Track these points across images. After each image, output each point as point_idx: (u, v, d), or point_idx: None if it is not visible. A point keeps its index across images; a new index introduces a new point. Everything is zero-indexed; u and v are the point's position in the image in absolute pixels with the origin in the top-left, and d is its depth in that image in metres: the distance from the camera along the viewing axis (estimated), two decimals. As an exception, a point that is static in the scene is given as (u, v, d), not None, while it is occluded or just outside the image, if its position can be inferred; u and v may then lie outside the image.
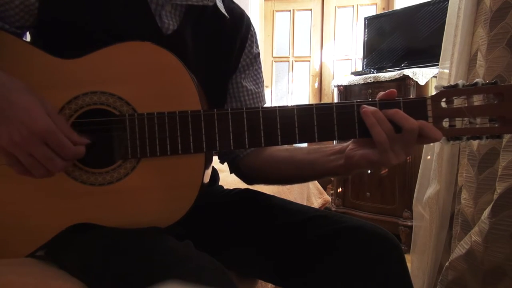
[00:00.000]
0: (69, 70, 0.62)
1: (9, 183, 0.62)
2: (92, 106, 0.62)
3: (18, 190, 0.62)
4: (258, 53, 0.87)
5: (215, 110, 0.62)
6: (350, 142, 0.67)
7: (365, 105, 0.60)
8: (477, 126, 0.59)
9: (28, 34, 0.71)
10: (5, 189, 0.62)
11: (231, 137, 0.61)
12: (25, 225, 0.63)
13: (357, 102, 0.61)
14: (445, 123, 0.61)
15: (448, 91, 0.60)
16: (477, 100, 0.60)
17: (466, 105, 0.59)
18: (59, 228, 0.63)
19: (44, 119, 0.54)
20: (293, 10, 3.62)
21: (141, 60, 0.63)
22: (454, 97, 0.60)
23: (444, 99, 0.60)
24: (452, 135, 0.60)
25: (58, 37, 0.65)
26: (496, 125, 0.59)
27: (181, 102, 0.62)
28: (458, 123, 0.60)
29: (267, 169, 0.80)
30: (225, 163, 0.87)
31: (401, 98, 0.60)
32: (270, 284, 0.93)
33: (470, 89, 0.59)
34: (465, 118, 0.60)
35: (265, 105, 0.87)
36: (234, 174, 0.87)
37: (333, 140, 0.62)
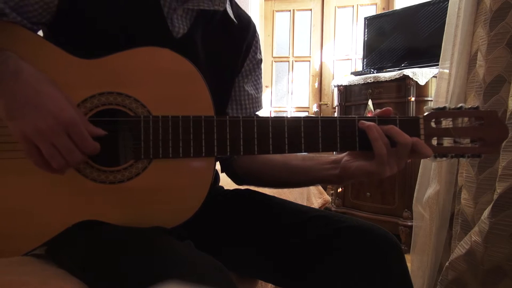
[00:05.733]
0: (86, 70, 0.63)
1: (18, 178, 0.62)
2: (107, 106, 0.62)
3: (27, 185, 0.62)
4: (261, 60, 0.89)
5: (227, 117, 0.64)
6: (344, 154, 0.71)
7: (363, 120, 0.65)
8: (461, 146, 0.66)
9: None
10: (15, 184, 0.62)
11: (242, 143, 0.64)
12: (32, 220, 0.63)
13: (358, 117, 0.66)
14: (434, 141, 0.67)
15: (437, 113, 0.66)
16: (463, 121, 0.67)
17: (452, 125, 0.66)
18: (65, 225, 0.63)
19: (70, 110, 0.55)
20: (293, 10, 3.62)
21: (158, 65, 0.64)
22: (442, 118, 0.66)
23: (433, 120, 0.66)
24: (439, 152, 0.66)
25: (72, 34, 0.66)
26: (477, 146, 0.66)
27: (195, 107, 0.64)
28: (445, 141, 0.66)
29: (261, 171, 0.82)
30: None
31: (397, 116, 0.66)
32: (270, 284, 0.93)
33: (455, 112, 0.66)
34: (451, 138, 0.66)
35: (262, 109, 0.92)
36: (225, 173, 0.89)
37: (335, 151, 0.67)
